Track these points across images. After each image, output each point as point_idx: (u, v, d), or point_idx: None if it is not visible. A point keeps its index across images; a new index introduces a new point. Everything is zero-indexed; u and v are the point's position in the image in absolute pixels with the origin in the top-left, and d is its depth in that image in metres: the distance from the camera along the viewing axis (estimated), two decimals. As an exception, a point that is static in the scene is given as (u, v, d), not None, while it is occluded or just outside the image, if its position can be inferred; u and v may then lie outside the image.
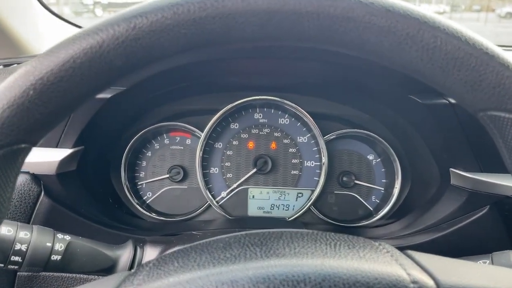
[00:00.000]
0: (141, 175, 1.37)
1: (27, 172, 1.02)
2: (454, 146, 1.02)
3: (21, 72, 0.41)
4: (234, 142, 1.35)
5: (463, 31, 0.42)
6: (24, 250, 0.71)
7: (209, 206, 1.33)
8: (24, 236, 0.72)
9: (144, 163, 1.36)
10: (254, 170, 1.33)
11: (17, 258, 0.71)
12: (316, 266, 0.40)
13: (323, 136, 1.29)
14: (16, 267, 0.72)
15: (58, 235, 0.77)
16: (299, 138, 1.35)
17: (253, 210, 1.36)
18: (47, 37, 1.53)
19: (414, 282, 0.39)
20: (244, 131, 1.35)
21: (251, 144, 1.35)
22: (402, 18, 0.42)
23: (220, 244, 0.47)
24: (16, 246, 0.71)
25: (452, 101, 0.97)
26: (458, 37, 0.42)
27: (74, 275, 1.08)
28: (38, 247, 0.72)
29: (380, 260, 0.42)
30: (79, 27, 1.66)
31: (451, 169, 1.05)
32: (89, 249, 0.79)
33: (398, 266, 0.41)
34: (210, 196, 1.32)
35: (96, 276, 1.00)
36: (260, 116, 1.35)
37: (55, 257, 0.74)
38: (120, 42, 0.41)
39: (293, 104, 1.28)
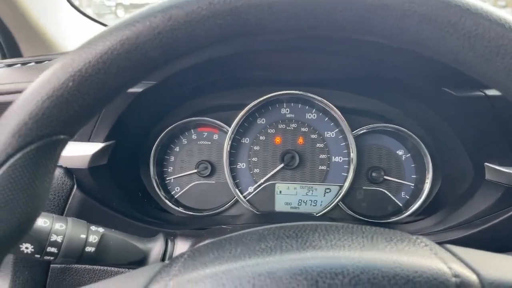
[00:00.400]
0: (169, 170, 1.38)
1: (60, 166, 1.04)
2: (489, 140, 0.98)
3: (59, 64, 0.42)
4: (261, 137, 1.35)
5: (507, 17, 0.41)
6: (60, 241, 0.72)
7: (237, 201, 1.33)
8: (59, 228, 0.73)
9: (172, 158, 1.37)
10: (282, 165, 1.32)
11: (53, 249, 0.72)
12: (354, 258, 0.39)
13: (352, 131, 1.28)
14: (51, 258, 0.73)
15: (92, 227, 0.78)
16: (327, 133, 1.33)
17: (280, 205, 1.35)
18: (75, 35, 1.56)
19: (455, 276, 0.37)
20: (271, 126, 1.34)
21: (278, 139, 1.34)
22: (443, 5, 0.40)
23: (254, 236, 0.47)
24: (52, 237, 0.72)
25: (489, 93, 0.94)
26: (502, 24, 0.40)
27: (105, 268, 1.09)
28: (73, 239, 0.74)
29: (419, 254, 0.41)
30: (105, 25, 1.70)
31: (486, 163, 1.02)
32: (122, 241, 0.80)
33: (438, 260, 0.40)
34: (238, 191, 1.33)
35: (127, 269, 1.02)
36: (287, 111, 1.34)
37: (89, 249, 0.75)
38: (156, 33, 0.41)
39: (321, 99, 1.26)
